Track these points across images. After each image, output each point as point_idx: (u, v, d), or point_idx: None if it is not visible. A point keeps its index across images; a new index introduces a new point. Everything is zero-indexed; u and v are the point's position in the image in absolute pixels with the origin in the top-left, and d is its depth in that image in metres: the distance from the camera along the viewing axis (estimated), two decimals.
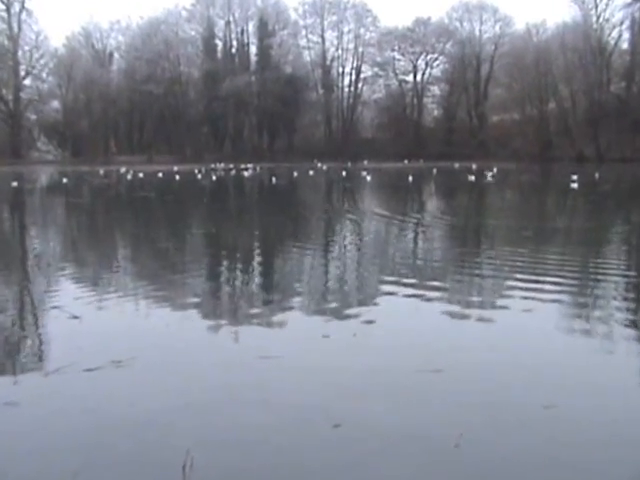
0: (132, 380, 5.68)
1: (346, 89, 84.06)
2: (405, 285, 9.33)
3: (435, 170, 45.84)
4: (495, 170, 43.25)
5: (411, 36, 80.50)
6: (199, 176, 43.96)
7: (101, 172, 51.45)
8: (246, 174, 48.02)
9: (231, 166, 56.30)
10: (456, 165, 55.77)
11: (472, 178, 35.83)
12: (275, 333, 7.11)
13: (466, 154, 65.12)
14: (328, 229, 17.15)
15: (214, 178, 43.06)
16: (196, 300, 8.66)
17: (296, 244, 13.66)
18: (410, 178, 36.81)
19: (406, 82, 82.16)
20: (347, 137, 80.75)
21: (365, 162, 62.85)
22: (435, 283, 9.46)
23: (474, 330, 7.13)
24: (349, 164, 61.29)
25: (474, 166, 52.33)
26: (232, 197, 30.94)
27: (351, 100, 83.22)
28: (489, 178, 39.01)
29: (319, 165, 58.68)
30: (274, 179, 38.18)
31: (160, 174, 45.98)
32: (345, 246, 13.81)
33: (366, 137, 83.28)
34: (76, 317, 7.57)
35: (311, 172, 45.32)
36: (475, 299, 8.61)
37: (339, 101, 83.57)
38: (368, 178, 39.84)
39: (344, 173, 44.21)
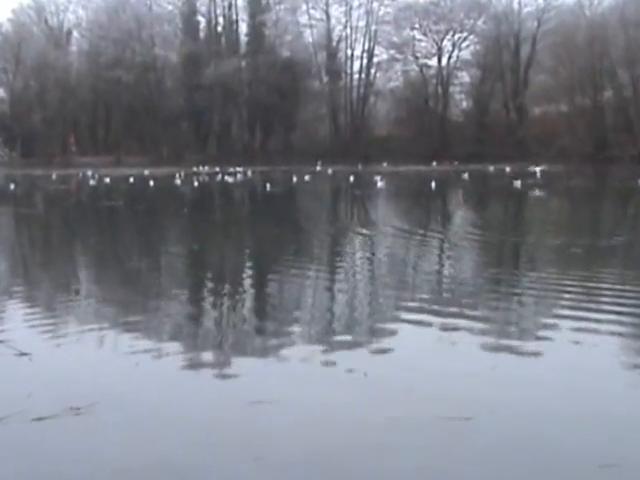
0: (93, 432, 5.64)
1: (356, 76, 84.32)
2: (428, 313, 9.33)
3: (466, 174, 45.95)
4: (539, 169, 43.35)
5: (435, 11, 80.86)
6: (178, 181, 44.16)
7: (54, 177, 51.62)
8: (232, 179, 48.13)
9: (217, 169, 56.53)
10: (490, 168, 55.89)
11: (517, 184, 36.04)
12: (269, 373, 7.11)
13: (502, 155, 65.15)
14: (334, 247, 17.18)
15: (196, 184, 43.19)
16: (173, 333, 8.67)
17: (295, 265, 13.70)
18: (433, 184, 36.93)
19: (429, 67, 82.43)
20: (357, 134, 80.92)
21: (380, 165, 63.07)
22: (464, 311, 9.45)
23: (512, 369, 7.11)
24: (360, 167, 61.44)
25: (507, 169, 52.39)
26: (218, 207, 31.04)
27: (362, 90, 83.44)
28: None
29: (318, 169, 58.97)
30: (268, 185, 38.35)
31: (131, 179, 46.14)
32: (355, 268, 13.83)
33: (380, 135, 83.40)
34: (25, 354, 7.54)
35: (307, 177, 45.39)
36: (513, 331, 8.61)
37: (347, 91, 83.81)
38: (383, 184, 39.96)
39: (352, 178, 44.38)
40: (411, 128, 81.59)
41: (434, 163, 63.67)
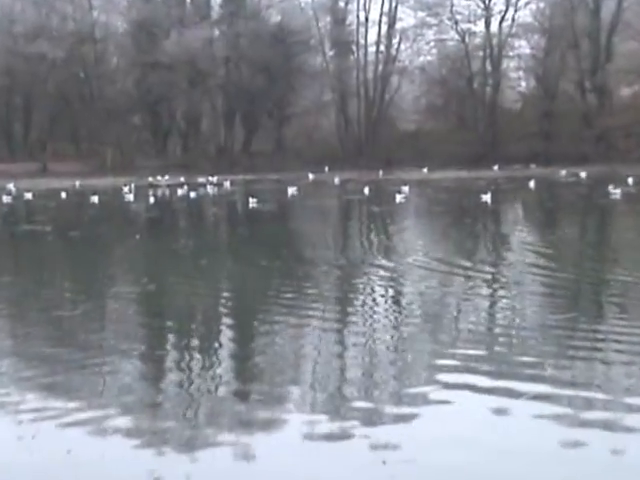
0: None
1: (372, 49, 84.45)
2: (475, 374, 9.41)
3: (532, 183, 45.96)
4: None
5: None
6: (129, 197, 44.28)
7: None
8: (202, 193, 48.22)
9: (182, 180, 56.39)
10: (562, 173, 55.97)
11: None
12: (249, 461, 7.10)
13: (576, 154, 65.00)
14: (345, 287, 17.15)
15: (152, 200, 43.40)
16: (120, 401, 8.70)
17: (293, 312, 13.72)
18: (487, 197, 36.84)
19: (473, 35, 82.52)
20: (375, 129, 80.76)
21: (406, 171, 62.97)
22: (524, 372, 9.55)
23: (593, 449, 7.09)
24: (380, 174, 61.34)
25: (582, 174, 52.49)
26: (182, 233, 30.98)
27: (381, 67, 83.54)
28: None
29: (310, 177, 58.95)
30: (253, 201, 38.32)
31: (62, 194, 46.24)
32: (373, 315, 13.82)
33: (407, 129, 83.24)
34: None
35: (291, 191, 45.13)
36: (592, 398, 8.66)
37: (360, 70, 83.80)
38: (403, 198, 40.05)
39: (368, 190, 44.42)
40: (450, 120, 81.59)
41: (496, 167, 63.47)
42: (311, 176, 59.00)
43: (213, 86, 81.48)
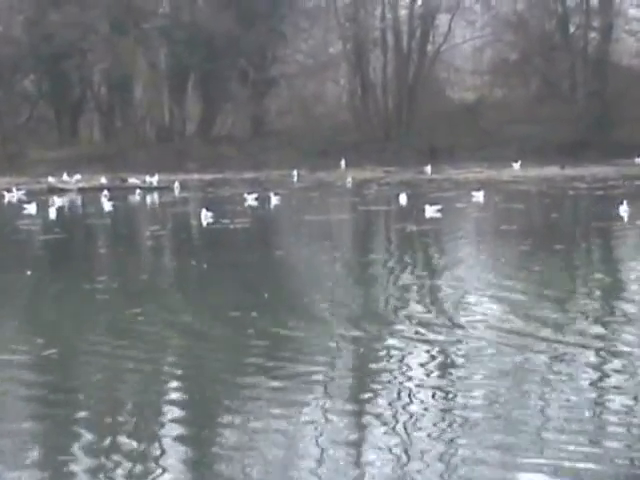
0: None
1: None
2: None
3: None
4: None
5: None
6: (30, 208, 44.78)
7: None
8: (135, 201, 49.07)
9: (102, 181, 57.13)
10: None
11: None
12: None
13: None
14: (360, 376, 16.68)
15: (54, 212, 44.04)
16: None
17: (270, 425, 13.14)
18: (624, 209, 36.71)
19: None
20: (411, 101, 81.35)
21: (463, 167, 63.74)
22: None
23: None
24: (428, 171, 62.06)
25: None
26: (102, 265, 31.09)
27: (419, 2, 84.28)
28: None
29: (299, 175, 59.83)
30: (207, 215, 38.88)
31: None
32: (409, 429, 13.27)
33: (463, 100, 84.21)
34: None
35: (274, 199, 45.91)
36: None
37: (388, 4, 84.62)
38: (465, 213, 40.58)
39: (404, 198, 44.69)
40: (530, 85, 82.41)
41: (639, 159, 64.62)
42: (297, 174, 60.10)
43: (152, 31, 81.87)
